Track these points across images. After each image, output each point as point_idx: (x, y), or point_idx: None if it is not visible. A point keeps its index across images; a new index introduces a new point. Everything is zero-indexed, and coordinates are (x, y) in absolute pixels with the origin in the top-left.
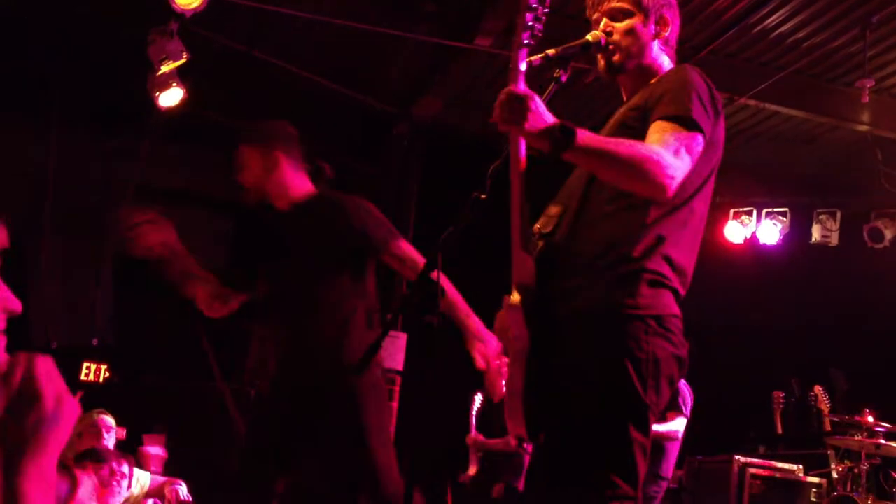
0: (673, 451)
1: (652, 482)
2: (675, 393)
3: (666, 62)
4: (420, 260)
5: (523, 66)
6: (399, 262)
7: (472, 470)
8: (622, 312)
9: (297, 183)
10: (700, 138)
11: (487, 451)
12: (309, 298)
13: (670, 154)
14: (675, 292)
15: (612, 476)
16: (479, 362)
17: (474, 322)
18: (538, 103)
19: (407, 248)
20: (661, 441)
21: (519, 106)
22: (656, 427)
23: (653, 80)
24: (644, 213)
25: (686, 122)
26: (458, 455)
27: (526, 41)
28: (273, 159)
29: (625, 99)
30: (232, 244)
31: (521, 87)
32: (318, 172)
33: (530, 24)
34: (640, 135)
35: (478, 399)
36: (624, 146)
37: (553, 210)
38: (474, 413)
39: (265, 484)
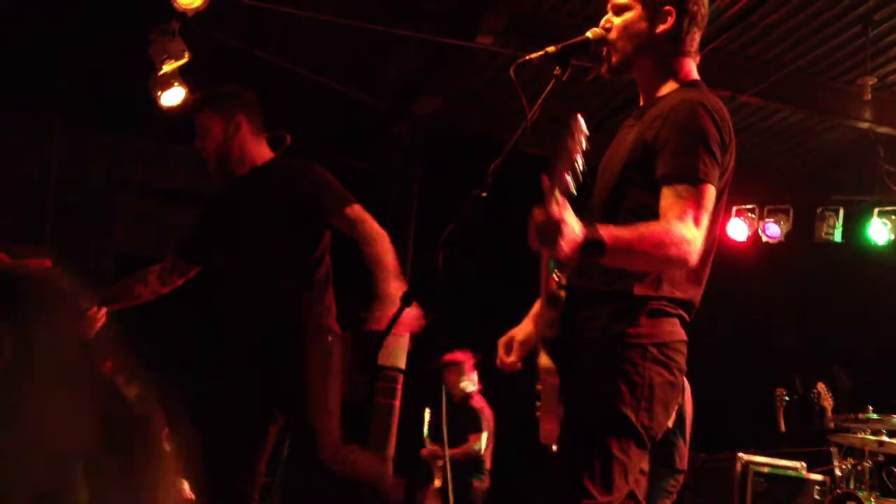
0: (678, 441)
1: (668, 476)
2: None
3: (678, 64)
4: (371, 224)
5: (558, 195)
6: (349, 223)
7: (438, 482)
8: (622, 340)
9: (258, 149)
10: (711, 190)
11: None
12: (263, 259)
13: (690, 226)
14: (680, 318)
15: (588, 485)
16: (372, 323)
17: (391, 285)
18: (570, 225)
19: (358, 211)
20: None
21: (552, 232)
22: None
23: (662, 93)
24: None
25: (695, 182)
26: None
27: (567, 181)
28: (235, 125)
29: (640, 102)
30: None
31: (554, 210)
32: (277, 140)
33: (576, 165)
34: (646, 172)
35: (427, 414)
36: (647, 238)
37: None
38: (426, 427)
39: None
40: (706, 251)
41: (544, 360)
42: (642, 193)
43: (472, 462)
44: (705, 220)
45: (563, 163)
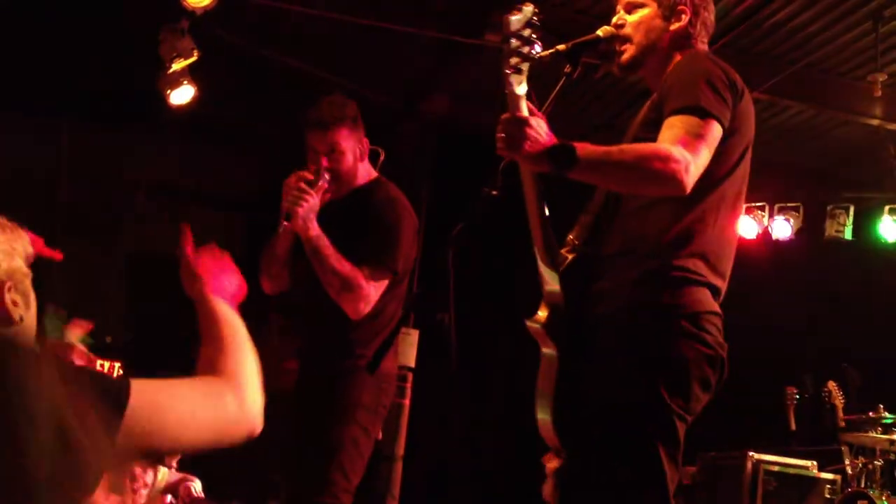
0: None
1: None
2: None
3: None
4: (356, 291)
5: (520, 90)
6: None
7: None
8: (648, 312)
9: (365, 169)
10: (714, 125)
11: None
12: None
13: (680, 148)
14: (711, 287)
15: (629, 475)
16: None
17: None
18: (536, 127)
19: (368, 278)
20: None
21: (515, 132)
22: None
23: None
24: (670, 208)
25: (696, 112)
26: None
27: (515, 66)
28: (364, 144)
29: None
30: (245, 244)
31: (518, 112)
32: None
33: (518, 48)
34: (657, 127)
35: None
36: (627, 152)
37: (584, 219)
38: None
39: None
40: (722, 210)
41: (543, 315)
42: None
43: None
44: (703, 150)
45: (513, 61)
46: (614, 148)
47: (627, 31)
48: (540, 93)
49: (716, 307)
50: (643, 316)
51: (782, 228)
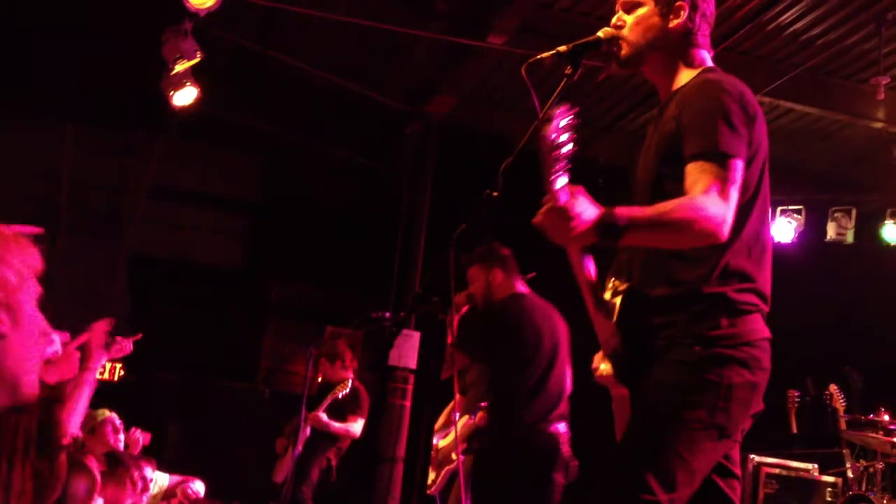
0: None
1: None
2: None
3: (692, 55)
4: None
5: (559, 184)
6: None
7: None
8: (703, 343)
9: (506, 287)
10: (736, 163)
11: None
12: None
13: (714, 199)
14: (761, 312)
15: (651, 481)
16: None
17: None
18: (579, 207)
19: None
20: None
21: (561, 221)
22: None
23: (680, 85)
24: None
25: (717, 157)
26: None
27: (560, 166)
28: (493, 274)
29: (661, 99)
30: (246, 243)
31: (561, 198)
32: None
33: (559, 144)
34: (677, 163)
35: None
36: (669, 214)
37: (622, 257)
38: None
39: None
40: (756, 233)
41: (605, 368)
42: (679, 186)
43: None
44: (734, 192)
45: (554, 155)
46: (656, 211)
47: (624, 31)
48: (542, 95)
49: (767, 332)
50: (698, 345)
51: (784, 231)
